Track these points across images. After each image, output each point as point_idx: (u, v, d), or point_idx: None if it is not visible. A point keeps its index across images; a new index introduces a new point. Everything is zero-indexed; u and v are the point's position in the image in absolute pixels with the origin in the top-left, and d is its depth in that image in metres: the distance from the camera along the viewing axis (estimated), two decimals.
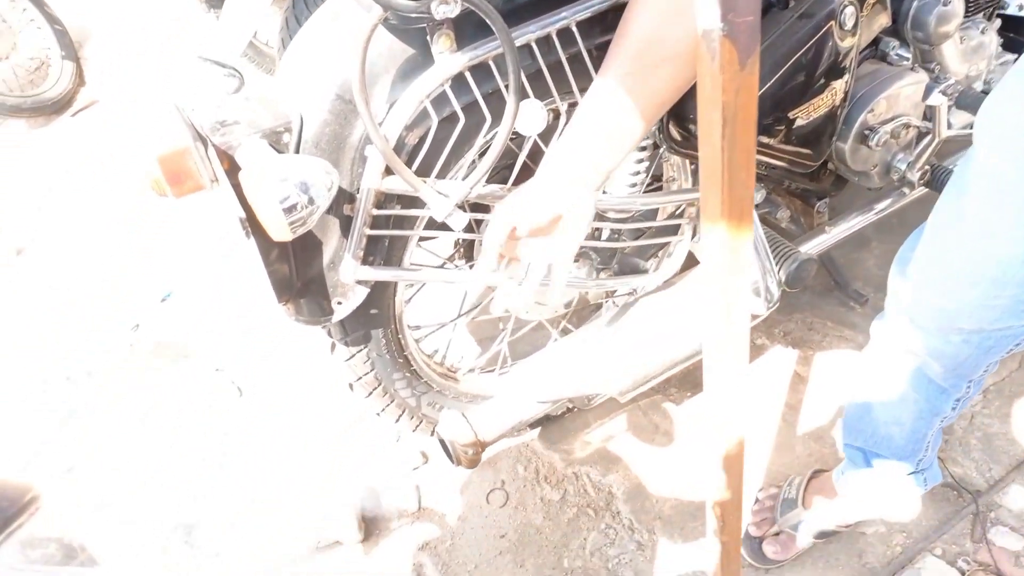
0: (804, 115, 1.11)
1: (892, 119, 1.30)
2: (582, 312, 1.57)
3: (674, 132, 1.15)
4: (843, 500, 1.29)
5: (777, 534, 1.34)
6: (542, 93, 0.99)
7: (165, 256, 2.24)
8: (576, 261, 1.33)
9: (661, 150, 1.23)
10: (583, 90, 1.02)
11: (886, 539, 1.36)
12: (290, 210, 0.82)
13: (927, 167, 1.38)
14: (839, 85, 1.13)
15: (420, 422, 1.38)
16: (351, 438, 1.62)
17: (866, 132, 1.28)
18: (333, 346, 1.19)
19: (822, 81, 1.11)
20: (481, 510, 1.48)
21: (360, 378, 1.23)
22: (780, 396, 1.62)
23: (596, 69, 1.01)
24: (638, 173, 1.18)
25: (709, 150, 0.55)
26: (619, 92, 0.85)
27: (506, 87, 0.91)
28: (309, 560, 1.42)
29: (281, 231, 0.83)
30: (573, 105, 1.05)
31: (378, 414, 1.32)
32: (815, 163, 1.25)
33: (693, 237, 1.28)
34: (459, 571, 1.39)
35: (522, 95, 0.92)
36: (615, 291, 1.38)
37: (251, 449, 1.64)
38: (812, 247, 1.41)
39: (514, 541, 1.42)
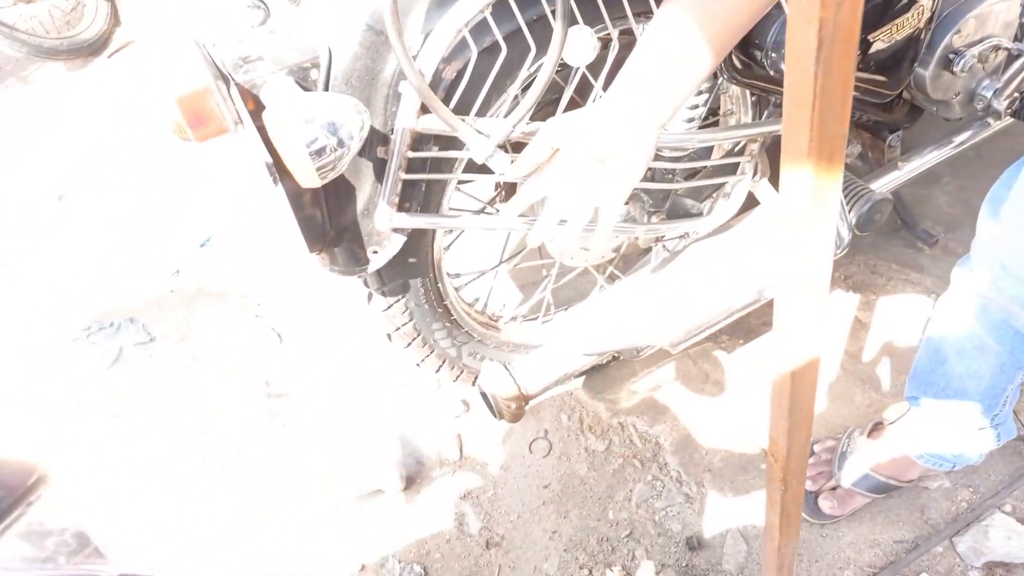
0: (886, 38, 0.99)
1: (980, 41, 1.17)
2: (629, 257, 1.49)
3: (735, 59, 1.05)
4: (896, 435, 1.21)
5: (834, 489, 1.28)
6: (592, 19, 0.90)
7: (204, 200, 2.21)
8: (626, 203, 1.25)
9: (720, 81, 1.12)
10: (638, 15, 0.93)
11: (951, 494, 1.29)
12: (318, 153, 0.76)
13: (1016, 95, 1.25)
14: (927, 2, 1.00)
15: (461, 373, 1.33)
16: (391, 386, 1.60)
17: (951, 56, 1.16)
18: (370, 296, 1.14)
19: None
20: (524, 460, 1.44)
21: (398, 328, 1.18)
22: (839, 343, 1.53)
23: None
24: (696, 107, 1.08)
25: (798, 77, 0.46)
26: (687, 16, 0.75)
27: (552, 12, 0.82)
28: (350, 508, 1.41)
29: (309, 177, 0.77)
30: (625, 32, 0.95)
31: (417, 365, 1.28)
32: (893, 92, 1.13)
33: (754, 176, 1.19)
34: (502, 521, 1.37)
35: (570, 21, 0.83)
36: (665, 235, 1.30)
37: (291, 400, 1.63)
38: (883, 185, 1.31)
39: (558, 492, 1.39)
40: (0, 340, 1.92)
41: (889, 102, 1.25)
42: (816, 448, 1.34)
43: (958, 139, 1.38)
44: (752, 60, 0.99)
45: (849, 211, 1.14)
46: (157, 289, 1.99)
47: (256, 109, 0.82)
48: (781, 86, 1.09)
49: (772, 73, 0.99)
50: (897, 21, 0.98)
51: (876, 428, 1.30)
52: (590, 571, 1.27)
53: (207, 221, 2.14)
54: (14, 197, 2.42)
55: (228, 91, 0.83)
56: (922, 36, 1.08)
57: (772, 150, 1.23)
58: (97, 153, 2.52)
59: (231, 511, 1.42)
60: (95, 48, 3.16)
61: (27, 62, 3.12)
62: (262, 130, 0.81)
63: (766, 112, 1.19)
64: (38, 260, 2.15)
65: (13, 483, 0.41)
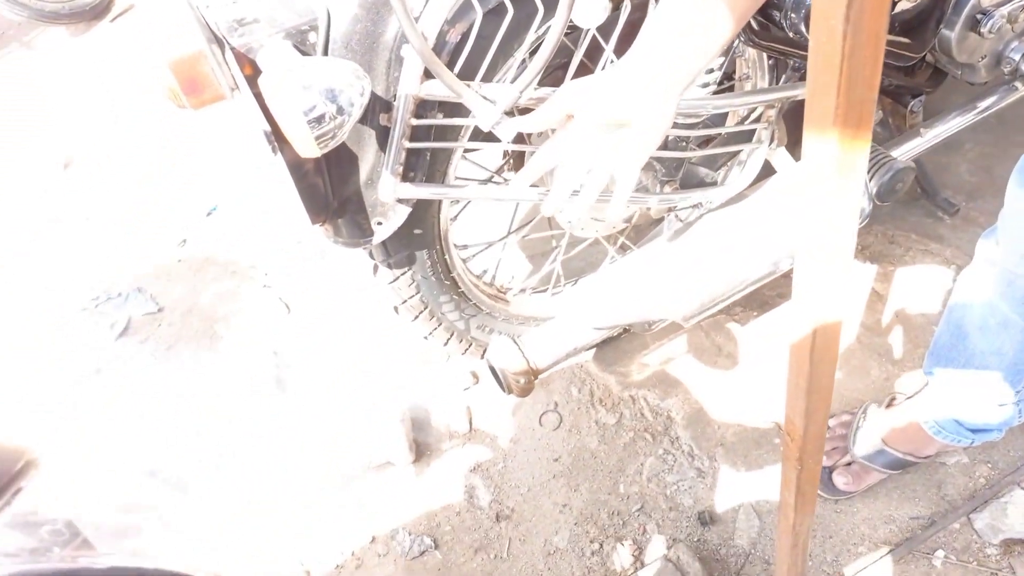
0: None
1: (1010, 0, 1.11)
2: (641, 227, 1.46)
3: (752, 21, 1.00)
4: (913, 409, 1.18)
5: (849, 464, 1.26)
6: None
7: (210, 168, 2.19)
8: None
9: (736, 44, 1.08)
10: None
11: (968, 470, 1.27)
12: (317, 121, 0.73)
13: None
14: None
15: (469, 345, 1.31)
16: (400, 357, 1.58)
17: (978, 16, 1.10)
18: (376, 268, 1.12)
19: None
20: (533, 433, 1.43)
21: (405, 301, 1.16)
22: (856, 315, 1.50)
23: None
24: (710, 71, 1.04)
25: (825, 37, 0.43)
26: None
27: None
28: (360, 481, 1.41)
29: (308, 146, 0.74)
30: None
31: (425, 338, 1.26)
32: (916, 55, 1.09)
33: (770, 144, 1.14)
34: (511, 494, 1.36)
35: None
36: (677, 205, 1.26)
37: (302, 369, 1.62)
38: (904, 152, 1.26)
39: (568, 465, 1.38)
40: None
41: (912, 65, 1.20)
42: (831, 423, 1.32)
43: (982, 104, 1.33)
44: (770, 21, 0.94)
45: (870, 180, 1.10)
46: (164, 259, 1.97)
47: (253, 74, 0.79)
48: (801, 49, 1.04)
49: (791, 35, 0.95)
50: None
51: (892, 402, 1.27)
52: (601, 545, 1.26)
53: (213, 190, 2.12)
54: (19, 164, 2.41)
55: (223, 56, 0.80)
56: None
57: (789, 116, 1.19)
58: (100, 119, 2.49)
59: (229, 511, 1.41)
60: (97, 12, 3.12)
61: (29, 27, 3.08)
62: (259, 97, 0.78)
63: (784, 76, 1.14)
64: (46, 237, 2.14)
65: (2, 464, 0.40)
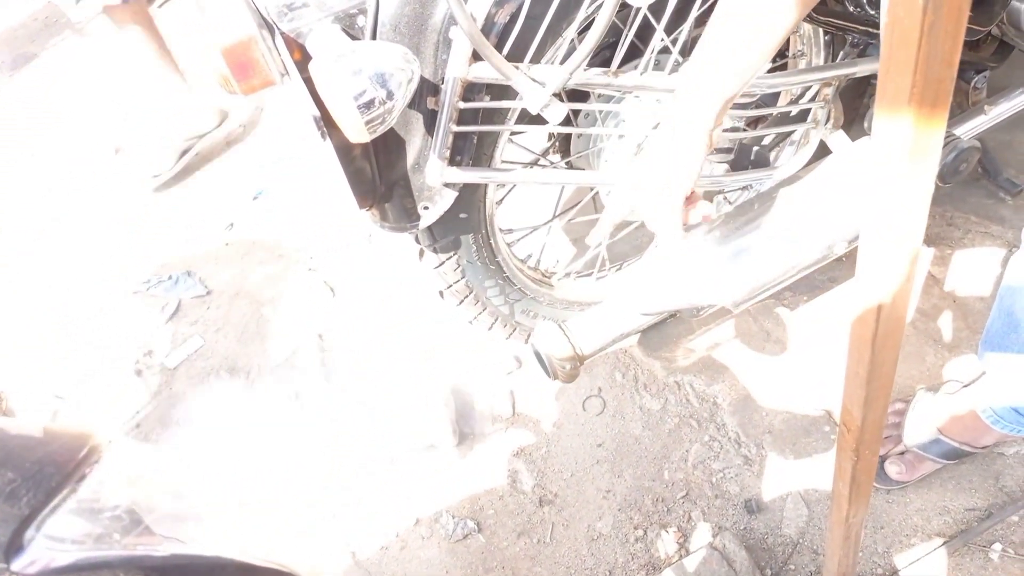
0: None
1: None
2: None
3: None
4: (969, 397, 1.15)
5: (902, 453, 1.23)
6: None
7: (256, 152, 2.21)
8: None
9: None
10: None
11: None
12: (367, 107, 0.72)
13: None
14: None
15: (514, 330, 1.31)
16: (444, 341, 1.59)
17: None
18: (421, 253, 1.12)
19: None
20: (577, 418, 1.42)
21: (451, 286, 1.16)
22: (911, 300, 1.45)
23: None
24: None
25: (903, 12, 0.40)
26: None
27: None
28: (404, 463, 1.42)
29: (358, 131, 0.73)
30: None
31: (470, 322, 1.26)
32: (983, 29, 1.04)
33: (826, 124, 1.11)
34: (555, 478, 1.36)
35: None
36: (727, 188, 1.23)
37: (346, 352, 1.64)
38: (968, 131, 1.21)
39: (611, 450, 1.37)
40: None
41: (977, 39, 1.15)
42: None
43: None
44: None
45: None
46: (212, 242, 2.01)
47: (302, 60, 0.79)
48: (860, 23, 1.00)
49: (851, 9, 0.91)
50: None
51: (946, 390, 1.23)
52: (645, 531, 1.26)
53: (260, 174, 2.14)
54: (72, 149, 2.46)
55: (273, 40, 0.80)
56: None
57: (846, 95, 1.15)
58: (150, 106, 2.53)
59: (273, 491, 1.43)
60: None
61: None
62: (309, 82, 0.78)
63: (841, 53, 1.10)
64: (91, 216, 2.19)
65: (63, 458, 0.40)
